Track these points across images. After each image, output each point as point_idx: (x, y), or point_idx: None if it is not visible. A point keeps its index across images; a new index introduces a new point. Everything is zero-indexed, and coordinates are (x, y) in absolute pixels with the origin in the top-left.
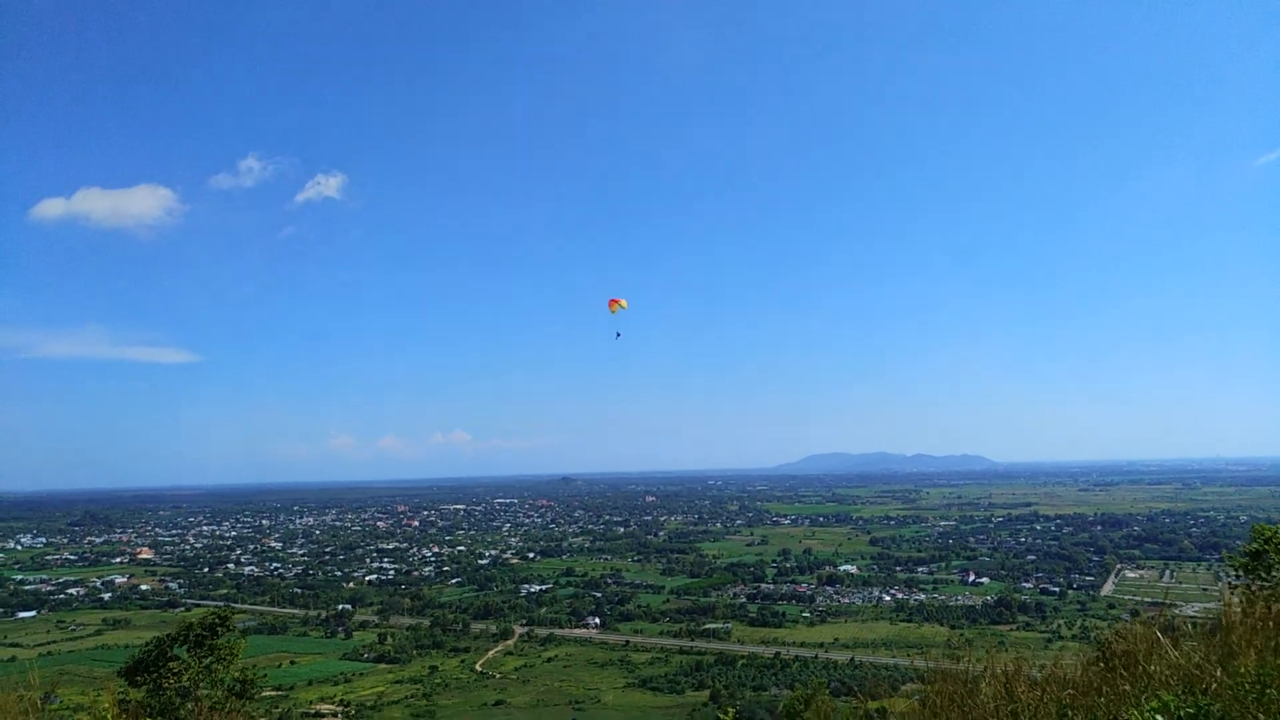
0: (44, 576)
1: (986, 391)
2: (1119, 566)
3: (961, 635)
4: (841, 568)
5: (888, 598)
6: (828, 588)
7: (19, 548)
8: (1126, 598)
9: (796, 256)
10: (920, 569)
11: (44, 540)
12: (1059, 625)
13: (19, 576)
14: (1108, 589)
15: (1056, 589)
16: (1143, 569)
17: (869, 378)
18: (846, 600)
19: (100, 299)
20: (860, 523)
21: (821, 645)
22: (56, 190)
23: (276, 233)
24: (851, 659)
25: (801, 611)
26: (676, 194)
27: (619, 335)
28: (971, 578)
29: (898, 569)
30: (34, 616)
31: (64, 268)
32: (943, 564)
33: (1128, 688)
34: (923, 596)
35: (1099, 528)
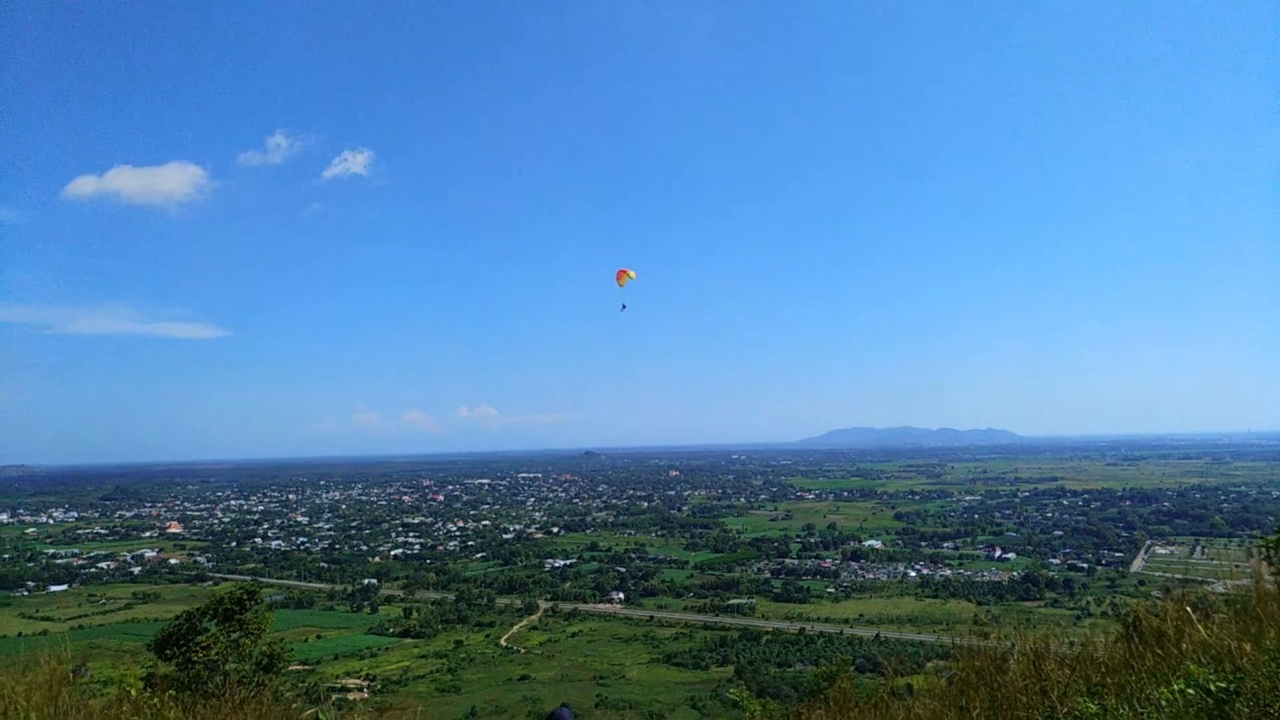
0: (75, 550)
1: (1011, 365)
2: (1149, 542)
3: (988, 612)
4: (866, 543)
5: (913, 573)
6: (852, 563)
7: (51, 522)
8: (1157, 574)
9: (820, 233)
10: (946, 544)
11: (75, 515)
12: (1088, 602)
13: (51, 550)
14: (1137, 565)
15: (1085, 565)
16: (1173, 545)
17: (893, 352)
18: (871, 576)
19: (130, 275)
20: (885, 497)
21: (846, 621)
22: (90, 168)
23: (304, 209)
24: (877, 635)
25: (826, 587)
26: (700, 171)
27: (625, 307)
28: (998, 553)
29: (923, 544)
30: (65, 590)
31: (95, 245)
32: (968, 539)
33: (1157, 664)
34: (948, 572)
35: (1128, 503)
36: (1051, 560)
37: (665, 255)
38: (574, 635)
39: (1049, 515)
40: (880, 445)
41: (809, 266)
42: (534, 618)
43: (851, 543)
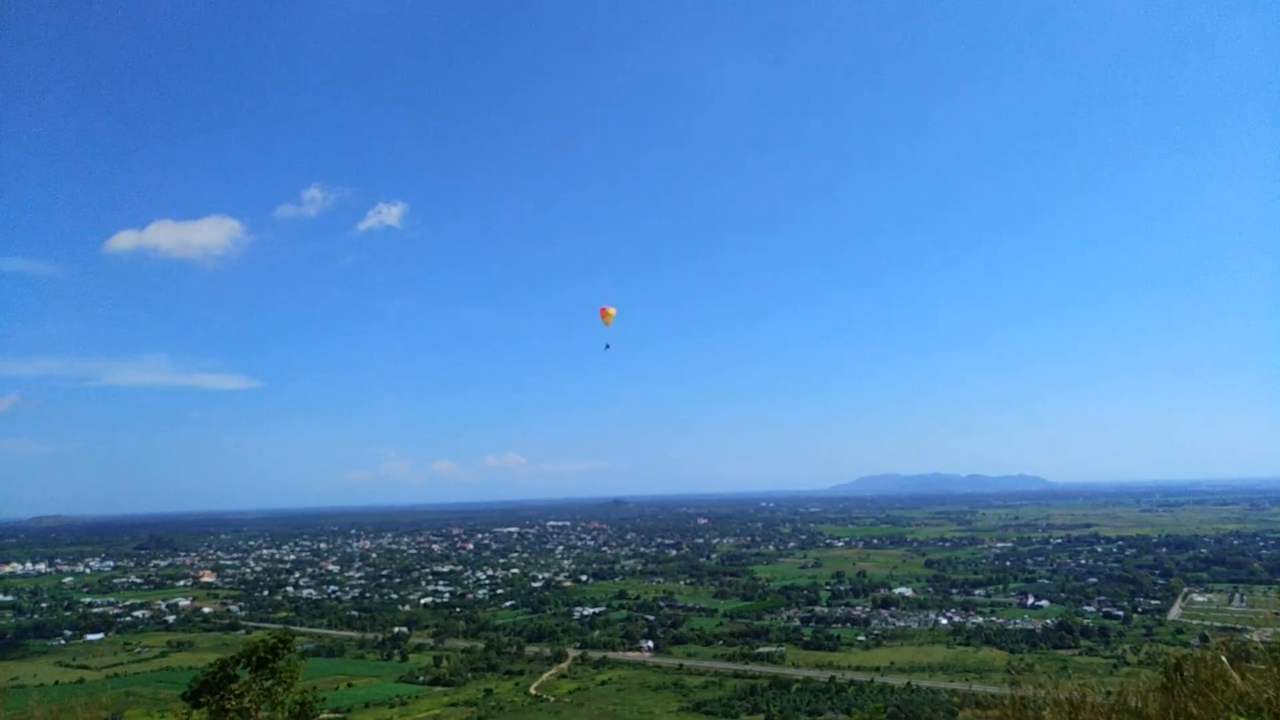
0: (111, 599)
1: (1043, 410)
2: (1186, 590)
3: (1021, 660)
4: (896, 590)
5: (944, 621)
6: (883, 610)
7: (87, 571)
8: (1194, 622)
9: (848, 278)
10: (977, 591)
11: (111, 564)
12: (1124, 650)
13: (88, 599)
14: (1174, 613)
15: (1120, 613)
16: (1211, 592)
17: (922, 397)
18: (902, 623)
19: (166, 327)
20: (915, 544)
21: (877, 669)
22: (131, 223)
23: (338, 261)
24: (908, 683)
25: (856, 635)
26: (728, 219)
27: (608, 347)
28: (1030, 600)
29: (954, 591)
30: (101, 639)
31: (133, 298)
32: (1000, 586)
33: (1198, 715)
34: (980, 620)
35: (1164, 549)
36: (1086, 608)
37: (696, 307)
38: (603, 683)
39: (1083, 562)
40: (910, 492)
41: (837, 315)
42: (563, 666)
43: (882, 590)
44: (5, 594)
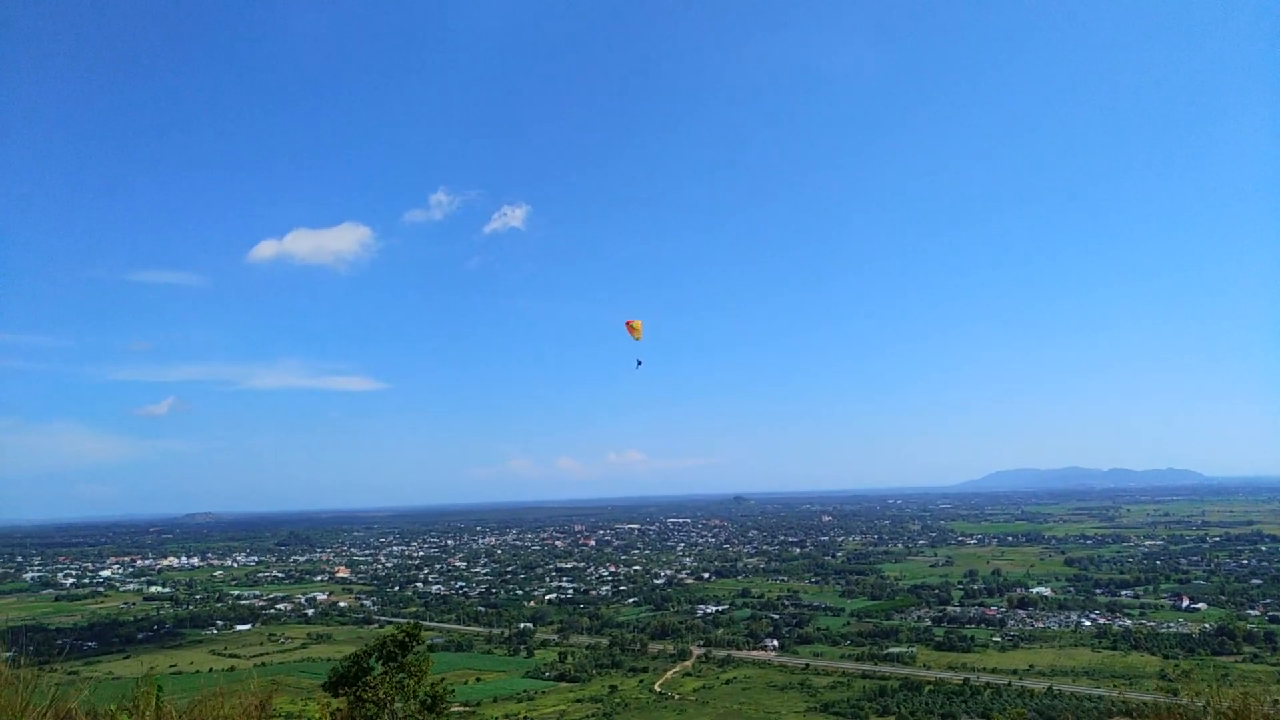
0: (256, 593)
1: (1197, 399)
2: None
3: (1176, 666)
4: (1034, 590)
5: (1087, 623)
6: (1019, 611)
7: (235, 565)
8: None
9: (982, 261)
10: (1124, 592)
11: (256, 559)
12: None
13: (236, 592)
14: None
15: None
16: None
17: (1060, 387)
18: (1041, 625)
19: (300, 332)
20: (1053, 542)
21: (1015, 672)
22: (272, 232)
23: (463, 263)
24: (1049, 688)
25: (992, 636)
26: (852, 203)
27: (640, 364)
28: (1185, 603)
29: (1098, 592)
30: (249, 629)
31: (272, 304)
32: (1149, 587)
33: None
34: (1128, 622)
35: None
36: (1249, 611)
37: (819, 298)
38: (728, 682)
39: (1244, 562)
40: (1046, 487)
41: (967, 301)
42: (687, 664)
43: (1018, 589)
44: (165, 586)
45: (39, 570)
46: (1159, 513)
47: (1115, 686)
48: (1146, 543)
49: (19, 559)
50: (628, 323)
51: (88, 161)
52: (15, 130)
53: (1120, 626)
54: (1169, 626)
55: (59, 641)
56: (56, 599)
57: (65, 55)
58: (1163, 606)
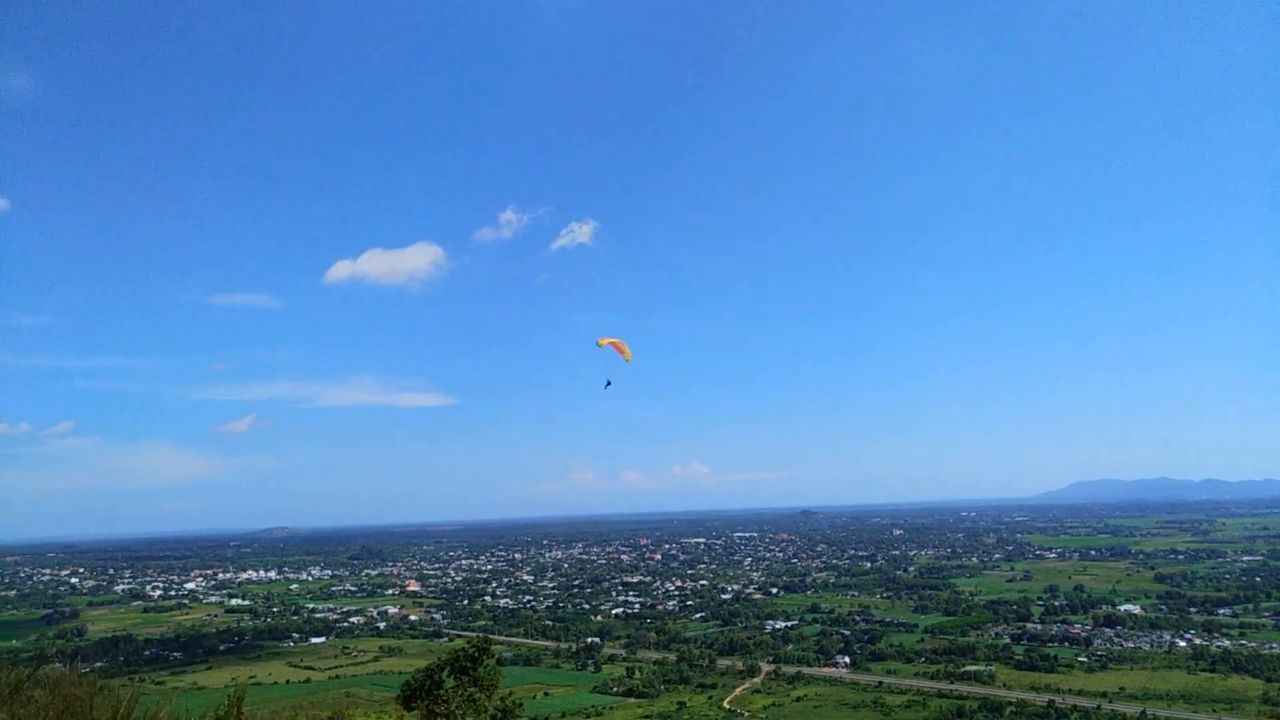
0: (330, 606)
1: None
2: None
3: None
4: (1122, 607)
5: (1182, 643)
6: (1106, 629)
7: (310, 579)
8: None
9: (1057, 268)
10: (1221, 611)
11: (329, 573)
12: None
13: (311, 605)
14: None
15: None
16: None
17: (1147, 393)
18: (1130, 644)
19: (373, 350)
20: (1140, 557)
21: (1105, 695)
22: (348, 253)
23: (531, 280)
24: (1143, 712)
25: (1077, 655)
26: (923, 213)
27: (609, 384)
28: None
29: (1192, 610)
30: (324, 642)
31: (346, 323)
32: (1249, 605)
33: None
34: (1227, 643)
35: None
36: None
37: (889, 305)
38: (799, 700)
39: None
40: (1132, 499)
41: (1046, 305)
42: (756, 680)
43: (1104, 607)
44: (245, 599)
45: (129, 582)
46: (1258, 526)
47: (1215, 711)
48: (1245, 558)
49: (110, 571)
50: (612, 342)
51: (172, 192)
52: (109, 167)
53: (1219, 647)
54: (1271, 648)
55: (147, 652)
56: (145, 610)
57: (151, 92)
58: (1264, 626)
